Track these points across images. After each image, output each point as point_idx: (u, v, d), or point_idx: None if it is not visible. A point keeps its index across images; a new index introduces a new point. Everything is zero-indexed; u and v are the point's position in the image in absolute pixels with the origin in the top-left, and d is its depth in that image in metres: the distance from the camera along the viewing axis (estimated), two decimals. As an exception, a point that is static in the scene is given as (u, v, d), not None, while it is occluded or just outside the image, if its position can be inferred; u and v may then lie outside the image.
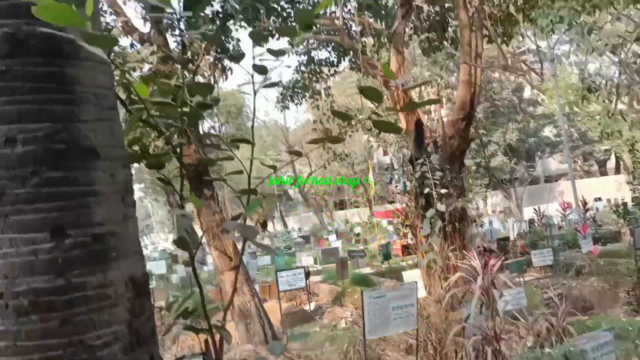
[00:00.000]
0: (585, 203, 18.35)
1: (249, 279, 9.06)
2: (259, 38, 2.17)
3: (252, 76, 2.19)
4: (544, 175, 41.39)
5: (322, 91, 15.99)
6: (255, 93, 2.21)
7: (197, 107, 2.07)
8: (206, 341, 2.01)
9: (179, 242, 1.85)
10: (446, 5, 13.22)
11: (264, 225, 2.21)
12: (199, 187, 8.69)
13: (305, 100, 17.86)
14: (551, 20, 6.80)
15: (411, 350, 7.00)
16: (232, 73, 9.80)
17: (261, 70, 2.17)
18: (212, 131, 27.58)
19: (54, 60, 1.61)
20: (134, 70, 7.76)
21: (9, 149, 1.55)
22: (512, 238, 16.14)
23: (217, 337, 1.97)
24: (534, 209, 18.87)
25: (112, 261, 1.63)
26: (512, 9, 10.79)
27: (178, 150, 2.01)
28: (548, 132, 35.36)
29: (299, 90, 16.78)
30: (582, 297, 9.21)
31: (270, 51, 2.14)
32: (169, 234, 43.89)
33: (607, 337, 4.30)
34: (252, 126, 2.32)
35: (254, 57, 2.21)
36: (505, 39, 12.32)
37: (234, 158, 2.42)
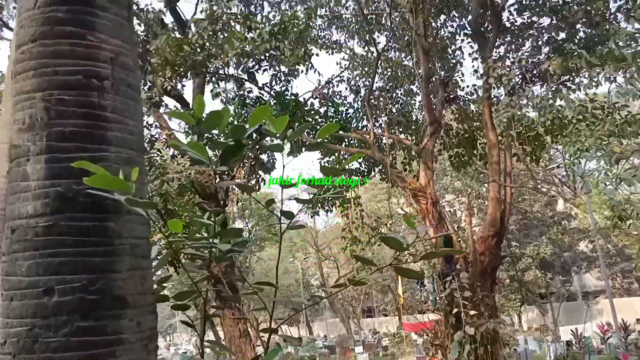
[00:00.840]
0: (626, 327, 17.37)
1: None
2: (285, 185, 2.31)
3: (280, 221, 2.30)
4: (582, 292, 39.66)
5: (352, 200, 16.21)
6: (281, 235, 2.31)
7: (225, 253, 2.18)
8: None
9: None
10: (475, 124, 13.65)
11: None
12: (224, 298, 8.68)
13: (335, 207, 18.09)
14: (578, 149, 6.94)
15: None
16: (265, 183, 10.16)
17: (288, 215, 2.28)
18: (246, 234, 27.81)
19: (98, 215, 1.76)
20: (172, 180, 8.13)
21: (47, 298, 1.65)
22: (548, 362, 15.21)
23: None
24: (571, 330, 17.92)
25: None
26: (540, 130, 11.05)
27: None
28: (583, 246, 34.42)
29: (330, 198, 17.07)
30: None
31: (298, 200, 2.27)
32: (192, 335, 42.97)
33: None
34: (277, 273, 2.39)
35: (282, 201, 2.35)
36: (534, 158, 12.51)
37: (259, 291, 2.47)
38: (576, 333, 16.35)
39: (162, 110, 9.10)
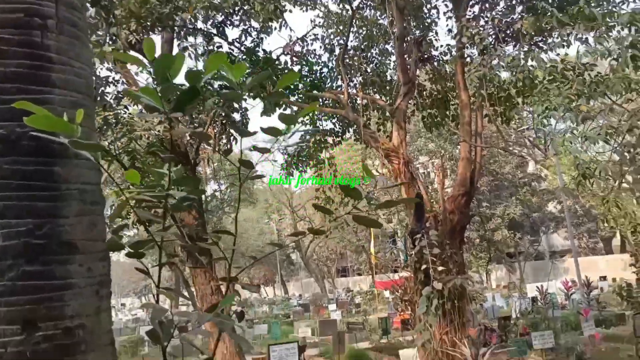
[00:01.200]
0: (589, 283, 18.08)
1: (240, 351, 8.87)
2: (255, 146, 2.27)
3: (239, 170, 2.27)
4: (549, 251, 41.00)
5: (326, 160, 16.23)
6: (240, 185, 2.29)
7: (180, 201, 2.15)
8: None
9: (151, 335, 1.87)
10: (448, 84, 13.66)
11: (241, 317, 2.23)
12: (195, 255, 8.69)
13: (310, 167, 18.11)
14: (546, 108, 7.02)
15: None
16: (236, 143, 10.04)
17: (247, 165, 2.26)
18: (217, 194, 27.74)
19: (43, 159, 1.71)
20: (141, 137, 7.98)
21: (-9, 243, 1.62)
22: (514, 316, 15.79)
23: None
24: (537, 287, 18.57)
25: (80, 354, 1.66)
26: (512, 91, 11.13)
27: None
28: (552, 207, 35.36)
29: (304, 159, 17.06)
30: (583, 385, 8.92)
31: (264, 130, 2.24)
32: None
33: None
34: (236, 221, 2.38)
35: (241, 151, 2.32)
36: (505, 119, 12.64)
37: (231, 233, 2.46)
38: (541, 289, 16.96)
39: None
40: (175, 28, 8.76)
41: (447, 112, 14.21)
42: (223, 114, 8.56)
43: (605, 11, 7.95)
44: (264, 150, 2.25)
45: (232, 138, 10.21)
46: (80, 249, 1.73)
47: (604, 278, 25.94)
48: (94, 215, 1.84)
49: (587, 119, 6.65)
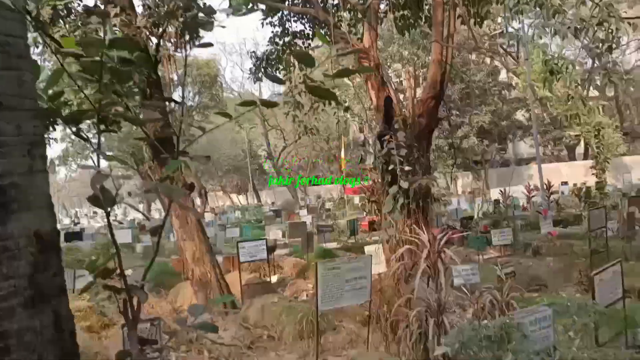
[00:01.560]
0: (550, 186, 18.75)
1: (210, 249, 9.04)
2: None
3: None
4: (516, 159, 42.07)
5: (296, 63, 15.81)
6: (186, 57, 2.15)
7: (121, 64, 2.02)
8: (124, 301, 2.00)
9: (92, 200, 1.81)
10: (421, -18, 13.12)
11: (191, 188, 2.19)
12: (162, 154, 8.56)
13: (279, 72, 17.66)
14: (518, 1, 6.82)
15: (367, 323, 7.09)
16: (198, 38, 9.55)
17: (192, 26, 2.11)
18: (187, 102, 27.08)
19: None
20: (96, 31, 7.53)
21: None
22: (476, 217, 16.41)
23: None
24: (500, 190, 19.21)
25: (13, 213, 1.59)
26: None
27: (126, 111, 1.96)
28: (520, 115, 35.82)
29: (273, 62, 16.59)
30: (537, 276, 9.46)
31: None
32: (140, 204, 43.43)
33: (545, 312, 4.44)
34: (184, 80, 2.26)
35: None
36: (478, 20, 12.34)
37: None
38: (504, 192, 17.53)
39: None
40: None
41: (420, 14, 13.77)
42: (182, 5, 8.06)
43: None
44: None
45: (195, 36, 9.71)
46: (5, 104, 1.61)
47: (565, 183, 26.93)
48: (21, 70, 1.70)
49: (558, 12, 6.50)
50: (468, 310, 4.92)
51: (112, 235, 1.95)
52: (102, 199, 1.79)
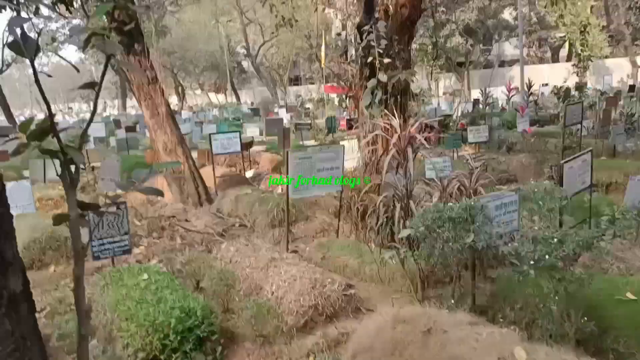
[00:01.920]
0: (530, 86, 18.60)
1: (183, 140, 8.87)
2: None
3: None
4: (499, 60, 41.44)
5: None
6: None
7: None
8: (61, 162, 1.88)
9: (12, 46, 1.62)
10: None
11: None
12: (129, 41, 8.10)
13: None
14: None
15: (338, 214, 7.18)
16: None
17: None
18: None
19: None
20: None
21: None
22: (454, 117, 16.34)
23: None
24: (481, 90, 19.02)
25: None
26: None
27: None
28: (507, 14, 34.76)
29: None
30: (508, 170, 9.60)
31: None
32: (114, 99, 42.35)
33: (512, 197, 4.48)
34: None
35: None
36: None
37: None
38: (484, 92, 17.36)
39: None
40: None
41: None
42: None
43: None
44: None
45: None
46: None
47: (546, 84, 26.77)
48: None
49: None
50: (435, 195, 4.94)
51: (39, 85, 1.76)
52: (23, 45, 1.60)
